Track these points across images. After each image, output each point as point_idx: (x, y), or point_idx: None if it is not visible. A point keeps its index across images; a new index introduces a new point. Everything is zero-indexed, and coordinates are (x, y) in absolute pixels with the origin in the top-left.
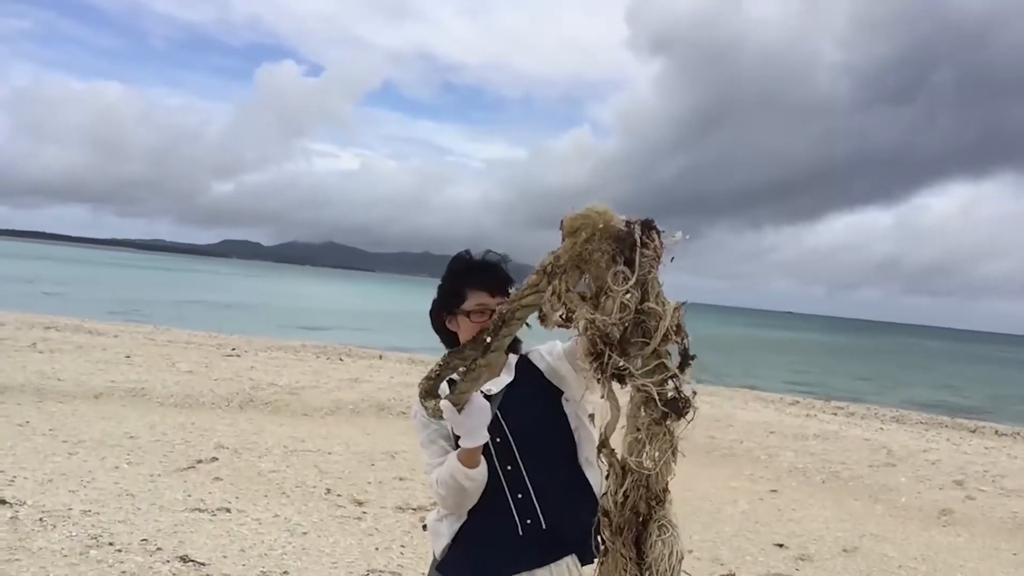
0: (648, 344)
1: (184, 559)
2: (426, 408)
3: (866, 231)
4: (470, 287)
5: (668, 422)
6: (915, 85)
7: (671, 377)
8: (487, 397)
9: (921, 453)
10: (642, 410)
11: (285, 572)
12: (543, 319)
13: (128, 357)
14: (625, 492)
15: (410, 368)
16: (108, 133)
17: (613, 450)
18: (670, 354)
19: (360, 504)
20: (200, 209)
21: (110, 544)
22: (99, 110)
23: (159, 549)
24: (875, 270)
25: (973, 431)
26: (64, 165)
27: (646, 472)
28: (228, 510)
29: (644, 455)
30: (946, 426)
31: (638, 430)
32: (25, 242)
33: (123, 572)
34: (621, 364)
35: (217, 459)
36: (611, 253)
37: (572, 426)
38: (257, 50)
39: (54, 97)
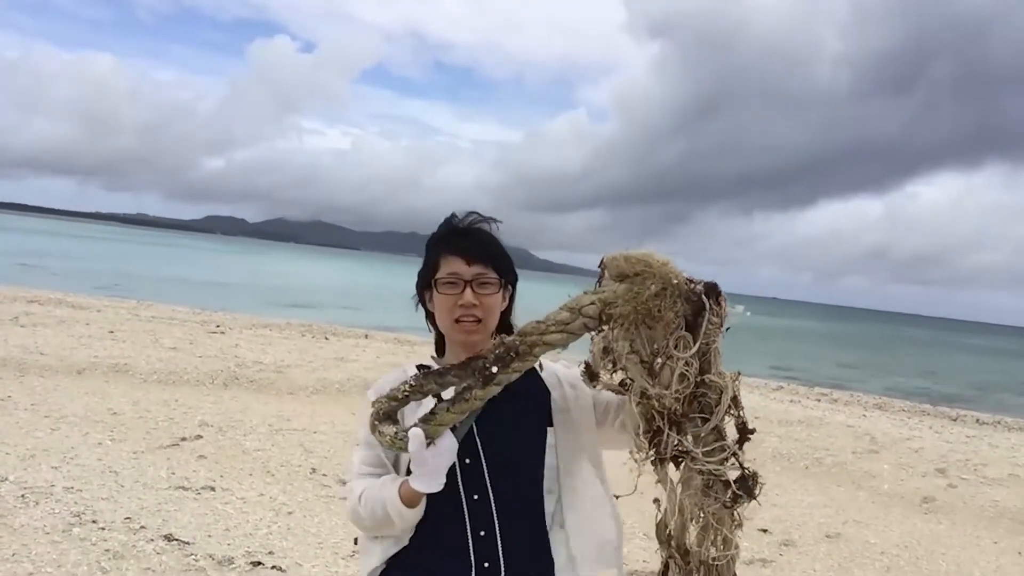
0: (707, 420)
1: (168, 538)
2: (381, 435)
3: (856, 220)
4: (444, 253)
5: (738, 504)
6: (914, 77)
7: (733, 455)
8: None
9: (904, 441)
10: (705, 494)
11: (271, 552)
12: (593, 376)
13: (111, 332)
14: None
15: (396, 348)
16: (97, 106)
17: (672, 537)
18: (725, 429)
19: (345, 484)
20: (188, 185)
21: (93, 522)
22: (88, 82)
23: (143, 527)
24: (863, 258)
25: (955, 419)
26: (52, 137)
27: (716, 563)
28: (212, 488)
29: (708, 543)
30: (928, 414)
31: (701, 515)
32: (8, 214)
33: (107, 550)
34: (681, 446)
35: (201, 437)
36: (684, 315)
37: (546, 465)
38: (246, 25)
39: (43, 69)
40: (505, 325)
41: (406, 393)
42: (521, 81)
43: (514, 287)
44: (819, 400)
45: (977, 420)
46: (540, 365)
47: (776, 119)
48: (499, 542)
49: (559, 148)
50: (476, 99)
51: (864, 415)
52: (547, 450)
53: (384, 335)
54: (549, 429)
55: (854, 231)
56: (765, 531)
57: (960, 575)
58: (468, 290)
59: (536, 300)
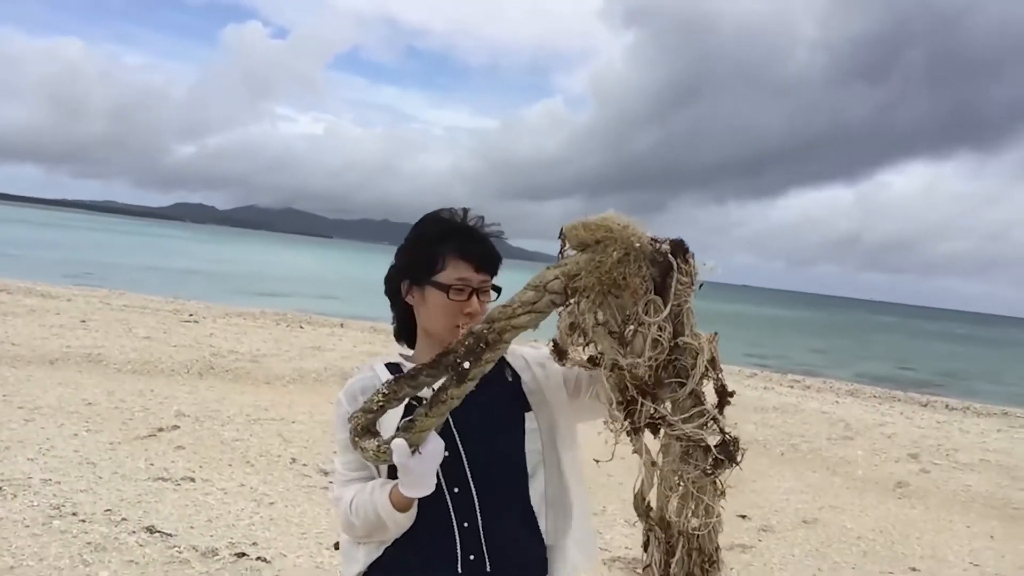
0: (684, 385)
1: (150, 529)
2: (364, 450)
3: (828, 208)
4: (452, 254)
5: (719, 471)
6: (888, 64)
7: (712, 420)
8: None
9: (877, 427)
10: (685, 461)
11: (254, 543)
12: (561, 355)
13: (83, 322)
14: (679, 560)
15: (372, 337)
16: (66, 92)
17: (651, 509)
18: (704, 393)
19: (326, 474)
20: (159, 172)
21: (73, 514)
22: (57, 68)
23: (124, 519)
24: (835, 245)
25: (925, 405)
26: (20, 124)
27: (698, 532)
28: (192, 479)
29: (688, 512)
30: (899, 400)
31: (680, 484)
32: None
33: (88, 543)
34: (657, 413)
35: (178, 427)
36: (651, 278)
37: (527, 450)
38: (216, 9)
39: (10, 53)
40: None
41: (381, 404)
42: (496, 68)
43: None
44: (792, 387)
45: (947, 406)
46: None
47: (751, 106)
48: (482, 534)
49: (535, 135)
50: (450, 86)
51: (837, 401)
52: (528, 435)
53: (360, 324)
54: (527, 414)
55: (826, 219)
56: (744, 517)
57: (934, 559)
58: (475, 298)
59: (508, 289)
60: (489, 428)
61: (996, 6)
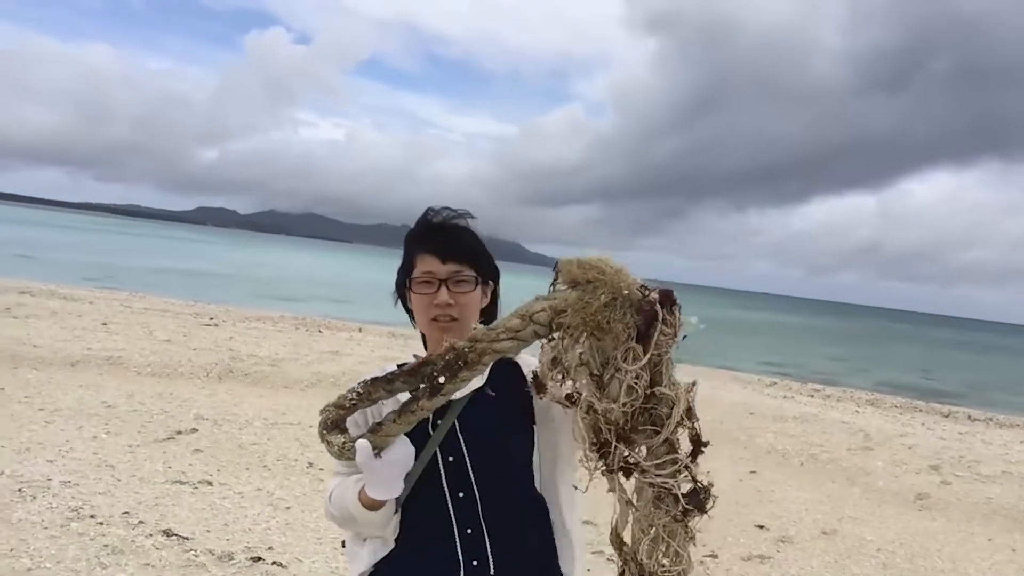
0: (659, 433)
1: (167, 533)
2: (329, 444)
3: (849, 216)
4: (419, 252)
5: (688, 518)
6: (910, 73)
7: (684, 468)
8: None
9: (898, 437)
10: (656, 506)
11: (270, 547)
12: (540, 388)
13: (105, 324)
14: None
15: (390, 341)
16: (91, 96)
17: (628, 546)
18: (679, 441)
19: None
20: (182, 176)
21: (91, 516)
22: (82, 72)
23: (141, 522)
24: (856, 254)
25: (947, 416)
26: (46, 128)
27: (668, 574)
28: (210, 483)
29: (660, 554)
30: (920, 410)
31: (651, 527)
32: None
33: (105, 545)
34: (631, 458)
35: (197, 430)
36: (634, 326)
37: (534, 464)
38: (240, 15)
39: (37, 58)
40: (489, 321)
41: (353, 401)
42: (515, 74)
43: (496, 283)
44: (812, 396)
45: (969, 417)
46: (518, 360)
47: (773, 114)
48: (487, 540)
49: (555, 142)
50: (469, 92)
51: (857, 411)
52: (532, 448)
53: (378, 328)
54: (533, 427)
55: (847, 227)
56: (762, 527)
57: (955, 572)
58: (443, 289)
59: (527, 294)
60: (496, 435)
61: (1019, 15)
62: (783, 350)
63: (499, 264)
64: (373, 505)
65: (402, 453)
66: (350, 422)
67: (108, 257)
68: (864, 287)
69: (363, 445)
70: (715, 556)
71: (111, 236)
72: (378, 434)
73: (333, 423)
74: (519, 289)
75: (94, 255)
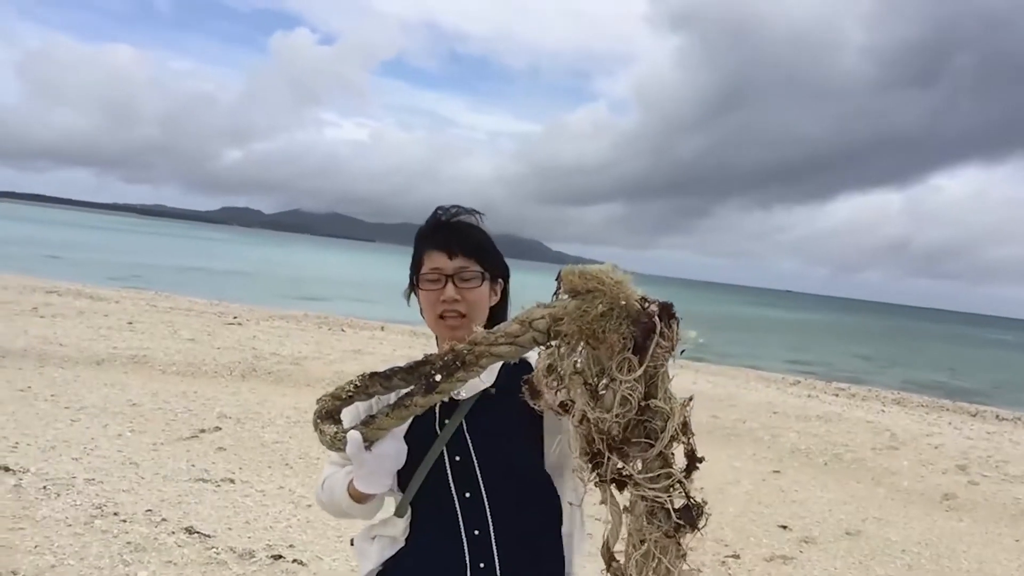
0: (652, 446)
1: (189, 530)
2: (322, 433)
3: (876, 212)
4: (427, 249)
5: (680, 534)
6: (938, 68)
7: (678, 483)
8: (454, 401)
9: (924, 437)
10: (649, 521)
11: (291, 545)
12: (535, 395)
13: (130, 323)
14: None
15: (412, 340)
16: (117, 97)
17: (618, 562)
18: (674, 456)
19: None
20: (207, 176)
21: (115, 514)
22: (108, 74)
23: (164, 520)
24: (882, 251)
25: (974, 415)
26: (73, 129)
27: None
28: (232, 481)
29: (650, 571)
30: (947, 409)
31: (643, 542)
32: (28, 205)
33: (128, 543)
34: (624, 470)
35: (220, 429)
36: (630, 338)
37: (549, 460)
38: (264, 16)
39: (63, 60)
40: (499, 319)
41: (350, 393)
42: (537, 72)
43: (506, 280)
44: (837, 395)
45: (997, 416)
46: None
47: (798, 111)
48: (494, 541)
49: (578, 140)
50: (492, 90)
51: (883, 410)
52: (540, 450)
53: (400, 327)
54: (542, 429)
55: (874, 224)
56: (785, 528)
57: (981, 573)
58: (450, 285)
59: (545, 292)
60: (504, 436)
61: None
62: (807, 348)
63: (520, 262)
64: (361, 498)
65: (392, 448)
66: (347, 414)
67: (134, 257)
68: (890, 285)
69: (354, 436)
70: (737, 556)
71: (137, 236)
72: (370, 427)
73: (328, 413)
74: (537, 288)
75: (120, 255)
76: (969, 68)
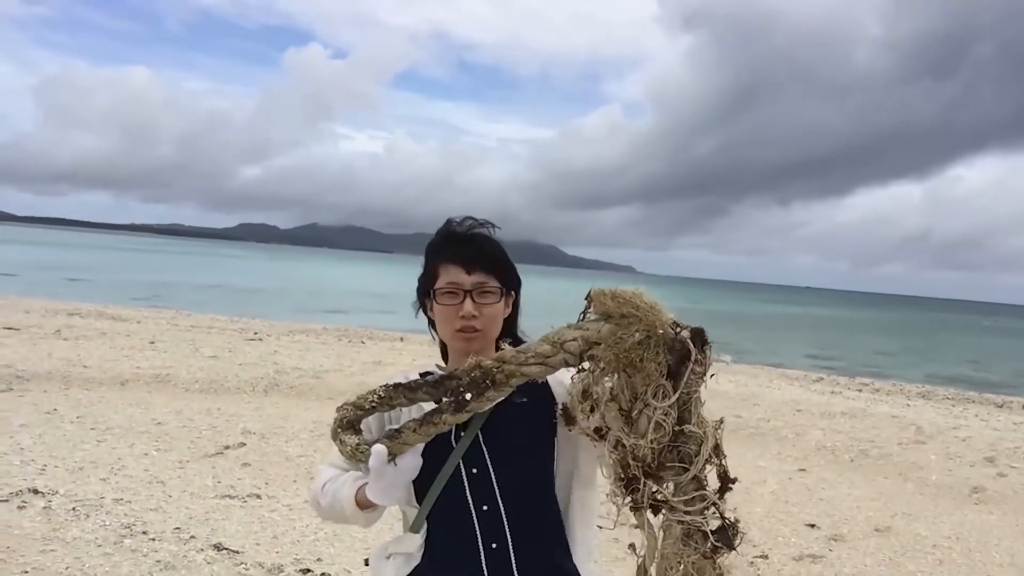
0: (687, 470)
1: (218, 547)
2: (342, 443)
3: (896, 205)
4: (442, 262)
5: (717, 555)
6: (955, 59)
7: (712, 504)
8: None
9: (951, 430)
10: (685, 543)
11: (319, 559)
12: (569, 420)
13: (152, 343)
14: None
15: (432, 350)
16: (133, 119)
17: None
18: (707, 478)
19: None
20: (224, 194)
21: (144, 533)
22: (123, 96)
23: (192, 537)
24: (902, 244)
25: (1000, 406)
26: (90, 152)
27: None
28: (258, 496)
29: None
30: (973, 401)
31: (680, 564)
32: (47, 228)
33: (158, 561)
34: (659, 494)
35: (244, 444)
36: (665, 365)
37: (558, 472)
38: (276, 33)
39: (79, 84)
40: (510, 332)
41: (373, 404)
42: (547, 78)
43: (517, 294)
44: (861, 390)
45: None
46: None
47: (814, 106)
48: (512, 555)
49: (593, 144)
50: (502, 98)
51: (908, 404)
52: (553, 461)
53: (419, 338)
54: (555, 439)
55: (894, 217)
56: (813, 526)
57: (1014, 566)
58: (468, 300)
59: (563, 297)
60: (521, 447)
61: None
62: (829, 344)
63: (536, 267)
64: (367, 507)
65: (413, 463)
66: (363, 424)
67: (154, 276)
68: (911, 278)
69: (379, 450)
70: (765, 557)
71: (156, 256)
72: (395, 441)
73: (349, 423)
74: (552, 292)
75: (140, 275)
76: (987, 58)
